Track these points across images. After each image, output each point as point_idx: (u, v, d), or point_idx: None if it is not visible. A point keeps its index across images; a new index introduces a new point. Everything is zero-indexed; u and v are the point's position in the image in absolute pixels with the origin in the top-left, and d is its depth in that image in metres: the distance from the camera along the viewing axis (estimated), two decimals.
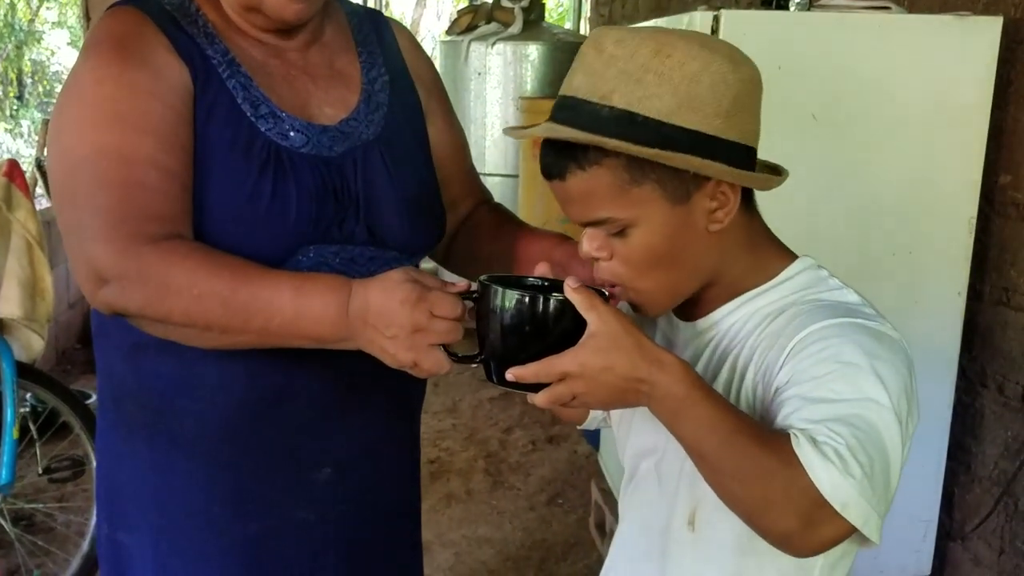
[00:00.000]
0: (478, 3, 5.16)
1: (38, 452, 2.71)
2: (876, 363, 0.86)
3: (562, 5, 9.73)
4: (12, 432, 2.34)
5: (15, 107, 12.54)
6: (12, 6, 12.13)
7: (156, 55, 1.13)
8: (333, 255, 1.17)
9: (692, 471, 0.90)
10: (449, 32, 5.22)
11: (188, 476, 1.24)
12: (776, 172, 0.99)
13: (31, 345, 2.47)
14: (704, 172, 0.90)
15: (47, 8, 12.77)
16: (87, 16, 5.60)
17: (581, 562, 2.85)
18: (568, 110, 0.92)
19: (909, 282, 2.14)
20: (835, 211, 2.07)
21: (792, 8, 2.09)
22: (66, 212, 1.10)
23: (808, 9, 2.09)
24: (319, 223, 1.15)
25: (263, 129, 1.15)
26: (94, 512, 2.63)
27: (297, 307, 1.00)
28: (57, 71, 12.98)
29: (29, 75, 12.96)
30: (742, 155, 0.92)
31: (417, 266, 1.26)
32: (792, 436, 0.82)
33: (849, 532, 0.82)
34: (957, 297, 2.16)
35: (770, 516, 0.83)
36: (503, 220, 1.41)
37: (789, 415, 0.85)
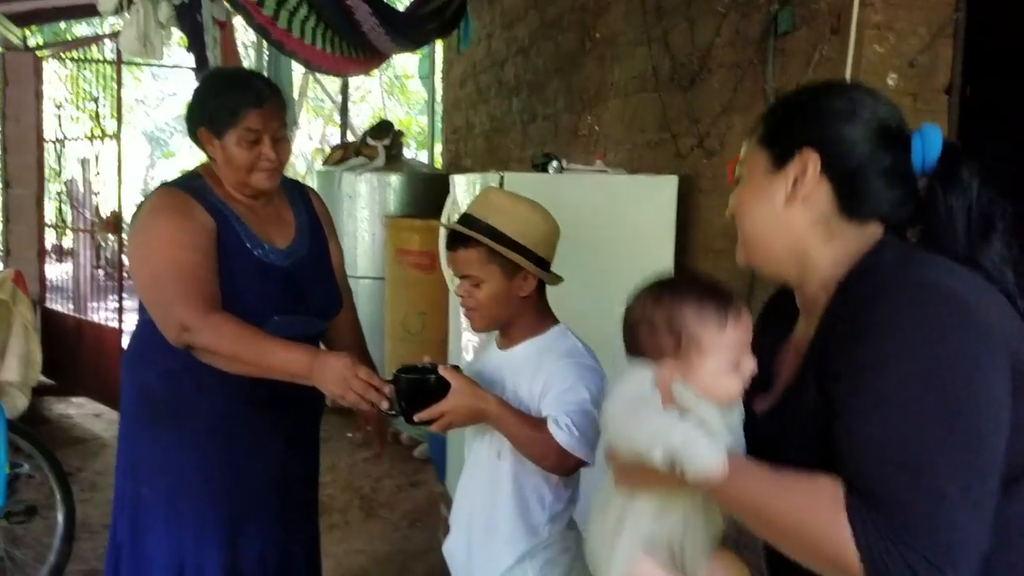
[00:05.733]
0: (348, 140, 6.26)
1: None
2: (588, 384, 1.76)
3: (423, 132, 11.15)
4: (5, 468, 3.17)
5: None
6: None
7: (195, 211, 2.11)
8: (288, 320, 2.15)
9: (500, 436, 1.78)
10: (325, 164, 6.30)
11: (198, 448, 2.16)
12: (559, 277, 1.89)
13: (15, 404, 3.33)
14: (522, 265, 1.78)
15: None
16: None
17: (433, 562, 3.79)
18: (467, 219, 1.83)
19: None
20: (585, 296, 3.17)
21: (550, 171, 3.27)
22: (152, 294, 2.05)
23: (560, 172, 3.30)
24: (282, 302, 2.15)
25: (254, 252, 2.15)
26: (54, 547, 3.38)
27: (286, 358, 1.91)
28: None
29: None
30: (544, 263, 1.84)
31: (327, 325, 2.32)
32: (549, 420, 1.73)
33: (578, 462, 1.72)
34: None
35: (544, 459, 1.73)
36: (351, 327, 2.44)
37: (548, 407, 1.75)
